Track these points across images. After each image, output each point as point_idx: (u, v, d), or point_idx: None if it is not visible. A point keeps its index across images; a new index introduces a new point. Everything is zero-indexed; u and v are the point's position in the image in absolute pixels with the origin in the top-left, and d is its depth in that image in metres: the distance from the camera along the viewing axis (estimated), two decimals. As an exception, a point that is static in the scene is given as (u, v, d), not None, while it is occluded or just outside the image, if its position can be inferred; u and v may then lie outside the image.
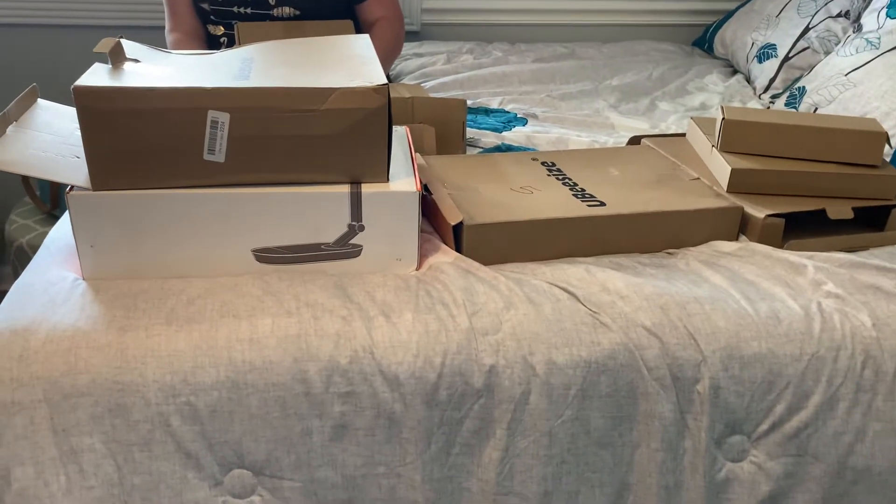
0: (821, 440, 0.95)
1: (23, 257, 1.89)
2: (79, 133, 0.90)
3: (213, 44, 1.65)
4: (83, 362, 0.84)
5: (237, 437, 0.87)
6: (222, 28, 1.63)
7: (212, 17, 1.62)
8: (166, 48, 1.64)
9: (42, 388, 0.83)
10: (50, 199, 1.98)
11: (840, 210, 1.14)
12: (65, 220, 1.09)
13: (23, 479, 0.83)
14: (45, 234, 1.90)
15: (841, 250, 1.11)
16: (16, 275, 1.95)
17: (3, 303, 0.93)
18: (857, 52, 1.59)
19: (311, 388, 0.87)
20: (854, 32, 1.68)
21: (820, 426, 0.95)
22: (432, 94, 1.71)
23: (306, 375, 0.87)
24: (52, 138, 0.99)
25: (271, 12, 1.57)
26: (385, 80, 0.93)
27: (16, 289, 0.95)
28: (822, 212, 1.13)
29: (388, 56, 1.69)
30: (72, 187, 0.92)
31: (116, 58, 0.96)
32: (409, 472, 0.90)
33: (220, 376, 0.86)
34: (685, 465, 0.94)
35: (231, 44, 1.60)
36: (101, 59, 0.96)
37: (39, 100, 1.06)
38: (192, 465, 0.86)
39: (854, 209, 1.14)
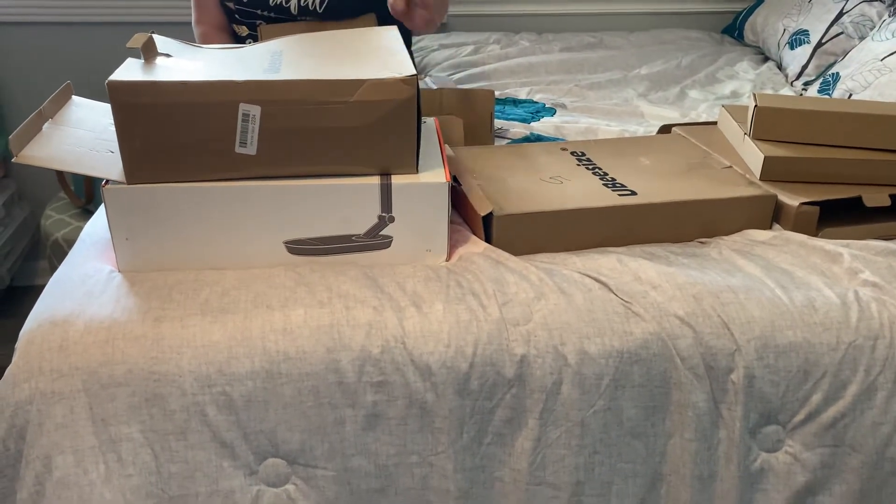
0: (858, 430, 0.94)
1: (58, 252, 1.93)
2: (112, 128, 0.92)
3: (238, 41, 1.67)
4: (120, 353, 0.86)
5: (271, 427, 0.87)
6: (246, 28, 1.64)
7: (236, 16, 1.63)
8: (195, 42, 1.66)
9: (81, 378, 0.85)
10: (84, 194, 2.01)
11: (876, 197, 1.12)
12: (100, 214, 1.11)
13: (63, 467, 0.85)
14: (79, 229, 1.93)
15: (877, 238, 1.09)
16: (52, 269, 1.99)
17: (41, 295, 0.95)
18: (893, 36, 1.56)
19: (344, 378, 0.87)
20: (889, 16, 1.65)
21: (857, 416, 0.94)
22: (460, 86, 1.71)
23: (339, 365, 0.87)
24: (86, 134, 1.01)
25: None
26: (414, 71, 0.93)
27: (54, 281, 0.97)
28: (858, 199, 1.11)
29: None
30: (107, 181, 0.93)
31: (149, 53, 0.97)
32: (442, 461, 0.90)
33: (255, 366, 0.86)
34: (719, 456, 0.94)
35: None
36: (134, 54, 0.97)
37: (74, 97, 1.08)
38: (227, 453, 0.87)
39: (891, 196, 1.12)
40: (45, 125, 0.99)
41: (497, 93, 1.72)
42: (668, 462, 0.94)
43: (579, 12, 2.30)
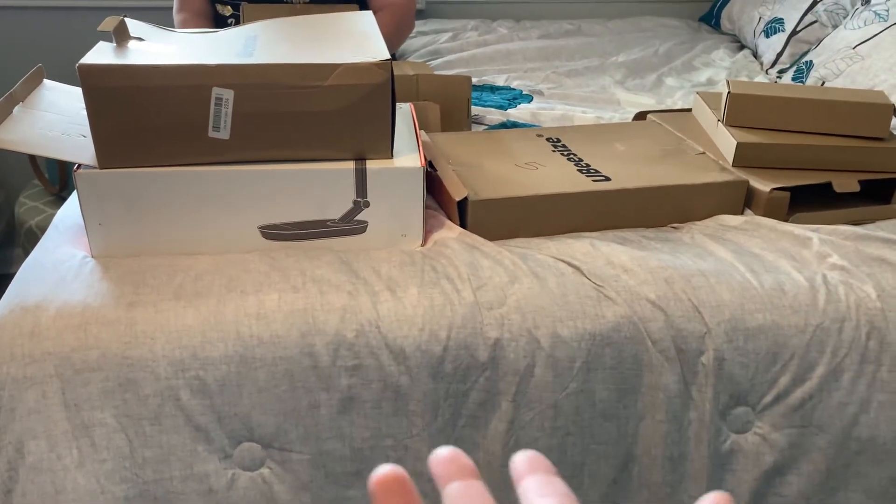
0: (825, 411, 0.96)
1: (32, 239, 1.91)
2: (85, 112, 0.91)
3: (220, 24, 1.66)
4: (93, 338, 0.86)
5: (246, 411, 0.88)
6: (230, 8, 1.63)
7: None
8: (172, 27, 1.65)
9: (53, 363, 0.85)
10: (59, 181, 1.99)
11: (846, 183, 1.14)
12: (73, 200, 1.10)
13: (36, 452, 0.85)
14: (54, 216, 1.91)
15: (847, 223, 1.11)
16: (26, 257, 1.97)
17: (13, 281, 0.94)
18: (865, 24, 1.57)
19: (319, 362, 0.88)
20: (862, 5, 1.66)
21: (824, 397, 0.96)
22: (438, 72, 1.70)
23: (313, 349, 0.88)
24: (58, 118, 1.00)
25: None
26: (388, 56, 0.93)
27: (26, 267, 0.96)
28: (828, 185, 1.13)
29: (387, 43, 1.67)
30: (79, 166, 0.92)
31: (121, 36, 0.96)
32: (416, 444, 0.91)
33: (229, 350, 0.87)
34: (690, 437, 0.95)
35: (238, 24, 1.60)
36: (106, 37, 0.96)
37: (45, 80, 1.07)
38: (201, 438, 0.87)
39: (860, 182, 1.14)
40: (16, 109, 0.98)
41: (475, 80, 1.72)
42: (640, 443, 0.95)
43: (558, -1, 2.31)
